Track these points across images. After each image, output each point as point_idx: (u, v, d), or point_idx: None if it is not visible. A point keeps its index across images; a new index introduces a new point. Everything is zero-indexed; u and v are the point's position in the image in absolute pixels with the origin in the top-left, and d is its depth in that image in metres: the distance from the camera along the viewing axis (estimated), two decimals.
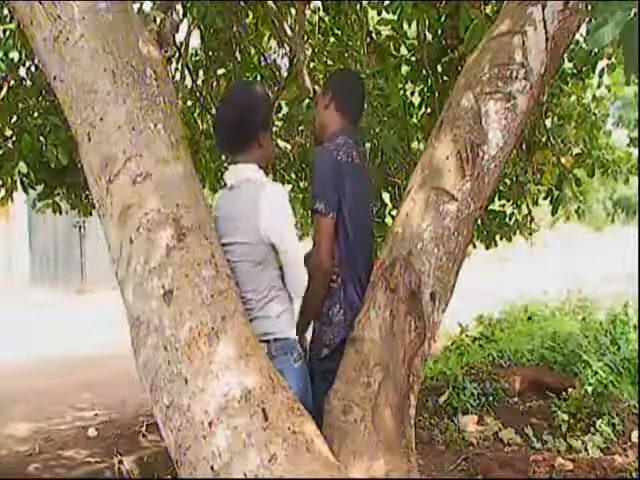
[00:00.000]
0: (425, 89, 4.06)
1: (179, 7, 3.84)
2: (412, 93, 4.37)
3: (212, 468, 1.59)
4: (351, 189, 2.23)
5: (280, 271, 2.12)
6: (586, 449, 3.97)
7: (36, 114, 4.05)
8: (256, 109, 2.17)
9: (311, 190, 2.26)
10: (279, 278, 2.13)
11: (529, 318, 8.00)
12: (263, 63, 4.85)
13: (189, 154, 1.95)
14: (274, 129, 4.80)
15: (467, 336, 6.90)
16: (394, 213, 2.31)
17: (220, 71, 4.71)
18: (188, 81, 4.65)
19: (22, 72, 4.07)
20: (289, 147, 5.06)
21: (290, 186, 5.29)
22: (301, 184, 5.23)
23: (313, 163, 2.28)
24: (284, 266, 2.11)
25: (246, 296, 2.03)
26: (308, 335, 2.33)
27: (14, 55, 3.99)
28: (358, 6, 4.14)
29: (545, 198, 5.02)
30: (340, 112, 2.40)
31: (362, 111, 2.56)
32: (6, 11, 3.91)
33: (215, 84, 4.72)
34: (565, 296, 8.81)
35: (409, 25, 3.74)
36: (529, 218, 5.44)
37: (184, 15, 3.98)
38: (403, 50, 3.97)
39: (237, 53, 4.55)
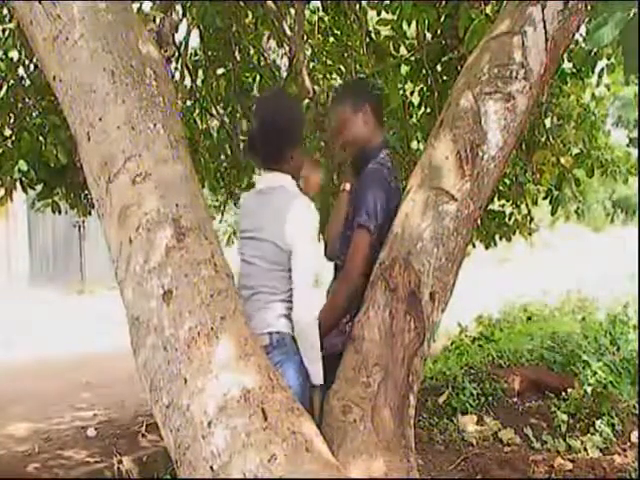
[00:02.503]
0: (425, 89, 4.06)
1: (178, 7, 3.84)
2: (412, 93, 4.37)
3: (211, 468, 1.59)
4: (389, 211, 2.20)
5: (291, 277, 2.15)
6: (585, 449, 3.97)
7: (36, 113, 4.05)
8: (295, 126, 2.23)
9: (361, 204, 2.21)
10: (287, 283, 2.14)
11: (529, 318, 8.01)
12: (263, 63, 4.85)
13: (189, 154, 1.95)
14: None
15: (467, 336, 6.90)
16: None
17: (220, 71, 4.71)
18: (188, 81, 4.65)
19: (21, 72, 4.06)
20: None
21: None
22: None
23: (366, 181, 2.24)
24: (295, 273, 2.10)
25: (258, 289, 2.11)
26: None
27: (14, 54, 3.99)
28: (358, 6, 4.14)
29: (545, 198, 5.02)
30: (378, 123, 2.37)
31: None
32: (6, 11, 3.91)
33: (214, 84, 4.71)
34: (565, 296, 8.82)
35: (409, 25, 3.74)
36: (529, 218, 5.44)
37: (183, 15, 3.99)
38: (403, 50, 3.97)
39: (237, 53, 4.55)
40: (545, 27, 2.03)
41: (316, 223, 2.14)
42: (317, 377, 2.10)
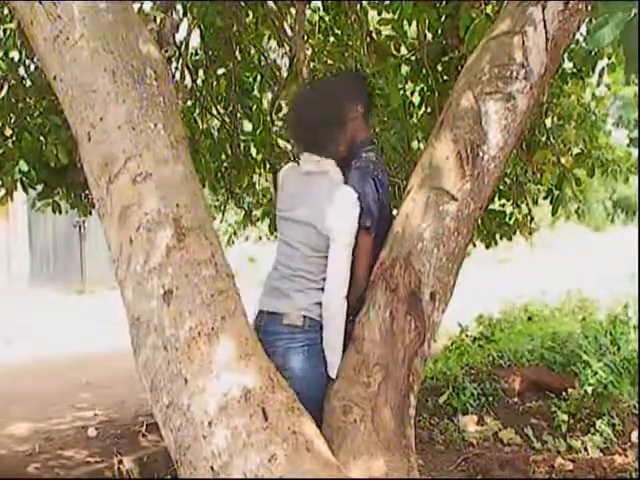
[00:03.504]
0: (425, 89, 4.06)
1: (179, 7, 3.84)
2: (412, 93, 4.36)
3: (212, 468, 1.59)
4: (382, 206, 2.20)
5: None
6: (586, 449, 3.98)
7: (36, 113, 4.04)
8: (341, 114, 2.19)
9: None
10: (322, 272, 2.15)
11: (529, 318, 8.01)
12: (263, 63, 4.84)
13: (189, 154, 1.95)
14: (274, 129, 4.79)
15: (467, 336, 6.90)
16: (394, 213, 2.30)
17: (220, 71, 4.70)
18: (188, 81, 4.65)
19: (22, 72, 4.06)
20: (289, 147, 5.06)
21: None
22: None
23: (353, 182, 2.19)
24: (330, 261, 2.11)
25: (299, 272, 2.11)
26: None
27: (14, 55, 3.99)
28: (358, 6, 4.13)
29: (545, 198, 5.01)
30: (365, 118, 2.35)
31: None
32: (6, 11, 3.91)
33: (215, 84, 4.71)
34: (565, 296, 8.81)
35: (409, 25, 3.74)
36: (529, 218, 5.44)
37: (184, 15, 3.98)
38: (403, 50, 3.97)
39: (237, 53, 4.55)
40: (545, 27, 2.03)
41: (357, 213, 2.11)
42: (333, 369, 2.06)
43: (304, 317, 2.09)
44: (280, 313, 2.11)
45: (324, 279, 2.11)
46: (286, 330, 2.09)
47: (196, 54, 4.73)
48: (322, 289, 2.11)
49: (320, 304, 2.10)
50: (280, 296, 2.14)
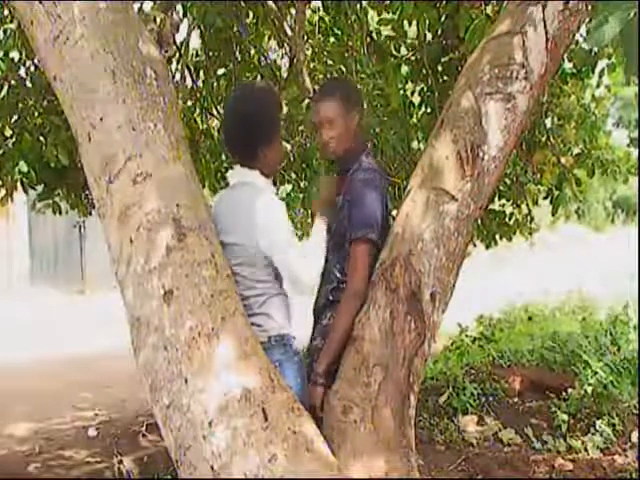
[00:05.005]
0: (425, 89, 4.06)
1: (179, 7, 3.84)
2: (412, 93, 4.37)
3: (212, 468, 1.59)
4: (387, 215, 2.19)
5: (276, 270, 2.13)
6: (586, 449, 3.97)
7: (36, 114, 4.04)
8: (267, 123, 2.16)
9: (358, 217, 2.14)
10: (275, 277, 2.13)
11: (529, 318, 8.01)
12: (263, 63, 4.84)
13: (189, 154, 1.95)
14: None
15: (467, 336, 6.90)
16: (394, 213, 2.29)
17: (220, 71, 4.70)
18: (188, 81, 4.65)
19: (22, 72, 4.06)
20: (289, 147, 5.06)
21: (290, 186, 5.29)
22: (301, 184, 5.23)
23: (358, 190, 2.17)
24: (279, 268, 2.11)
25: (243, 294, 2.04)
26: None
27: (14, 55, 3.99)
28: (358, 6, 4.14)
29: (545, 198, 5.02)
30: (359, 130, 2.31)
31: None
32: (7, 11, 3.91)
33: (215, 84, 4.71)
34: (565, 296, 8.81)
35: (409, 25, 3.75)
36: (529, 218, 5.44)
37: (184, 15, 3.98)
38: (403, 50, 3.97)
39: (237, 53, 4.55)
40: (545, 27, 2.03)
41: (284, 213, 2.10)
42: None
43: (269, 338, 2.07)
44: None
45: (267, 288, 2.09)
46: None
47: (197, 55, 4.73)
48: (269, 298, 2.09)
49: (280, 313, 2.10)
50: None
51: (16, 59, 4.00)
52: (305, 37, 4.38)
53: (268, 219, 2.06)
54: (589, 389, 4.58)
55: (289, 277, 2.13)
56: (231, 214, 2.11)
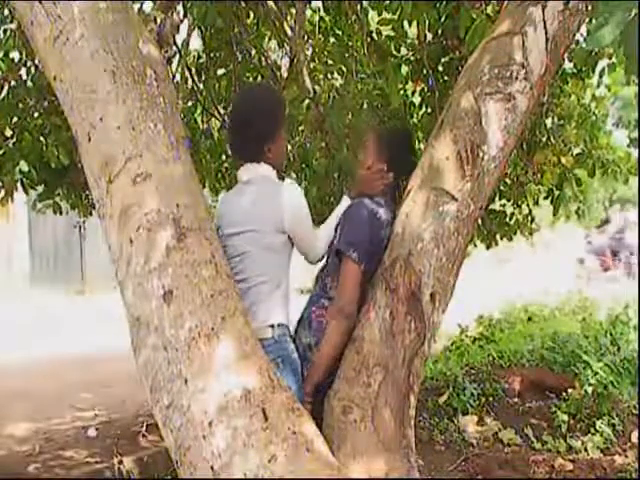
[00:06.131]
0: (425, 89, 4.06)
1: (179, 7, 3.83)
2: (412, 93, 4.36)
3: (212, 468, 1.59)
4: (379, 241, 2.15)
5: (287, 260, 2.17)
6: (586, 449, 3.98)
7: (36, 114, 4.04)
8: (269, 121, 2.19)
9: (342, 236, 2.16)
10: (286, 267, 2.17)
11: (529, 318, 8.02)
12: (264, 63, 4.84)
13: (189, 154, 1.95)
14: None
15: (467, 336, 6.90)
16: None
17: (220, 71, 4.70)
18: (189, 82, 4.65)
19: (22, 72, 4.06)
20: (289, 147, 5.06)
21: None
22: (301, 184, 5.23)
23: (348, 212, 2.20)
24: (302, 247, 2.19)
25: (252, 283, 2.08)
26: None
27: (14, 55, 3.99)
28: (358, 6, 4.14)
29: (546, 198, 5.02)
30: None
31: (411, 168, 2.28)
32: (7, 11, 3.91)
33: (216, 85, 4.71)
34: (565, 296, 8.82)
35: (409, 25, 3.74)
36: (529, 218, 5.44)
37: (184, 15, 3.98)
38: (403, 50, 3.97)
39: (238, 53, 4.55)
40: (545, 27, 2.03)
41: (305, 202, 2.16)
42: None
43: (271, 327, 2.07)
44: None
45: (278, 275, 2.12)
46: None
47: (199, 57, 4.73)
48: (278, 287, 2.12)
49: (279, 303, 2.11)
50: None
51: (16, 59, 3.99)
52: (305, 37, 4.38)
53: (294, 198, 2.12)
54: (589, 389, 4.58)
55: (309, 247, 2.19)
56: (248, 206, 2.14)
